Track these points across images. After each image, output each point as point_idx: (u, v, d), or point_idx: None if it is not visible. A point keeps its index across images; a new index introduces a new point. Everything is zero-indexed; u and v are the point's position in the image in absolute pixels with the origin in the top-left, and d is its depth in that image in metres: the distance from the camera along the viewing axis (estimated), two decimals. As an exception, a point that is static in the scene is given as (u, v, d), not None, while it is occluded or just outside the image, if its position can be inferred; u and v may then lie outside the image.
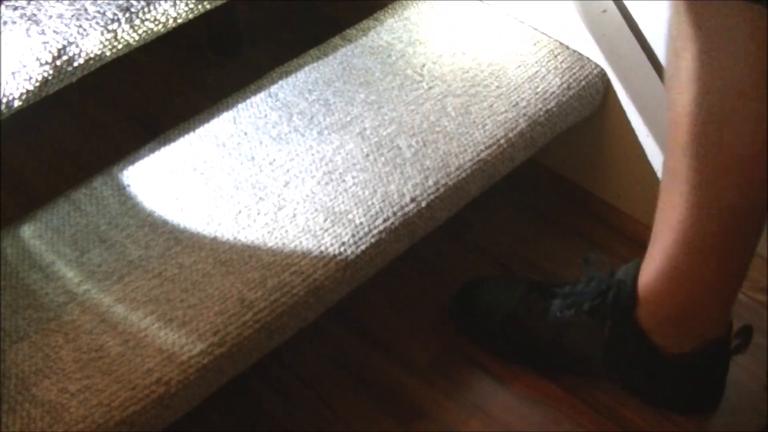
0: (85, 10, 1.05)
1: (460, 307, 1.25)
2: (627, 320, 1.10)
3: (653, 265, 1.06)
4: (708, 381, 1.14)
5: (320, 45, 1.31)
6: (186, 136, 1.20)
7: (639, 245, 1.38)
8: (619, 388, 1.18)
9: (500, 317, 1.19)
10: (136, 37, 1.07)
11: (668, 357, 1.10)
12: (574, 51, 1.30)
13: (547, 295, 1.18)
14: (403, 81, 1.26)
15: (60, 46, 1.02)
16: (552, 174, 1.44)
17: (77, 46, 1.03)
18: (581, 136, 1.37)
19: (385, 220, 1.10)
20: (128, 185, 1.14)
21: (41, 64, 1.01)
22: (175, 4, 1.08)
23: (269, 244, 1.07)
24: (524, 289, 1.20)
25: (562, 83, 1.27)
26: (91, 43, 1.04)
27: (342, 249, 1.07)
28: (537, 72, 1.28)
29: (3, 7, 1.04)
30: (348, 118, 1.21)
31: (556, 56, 1.30)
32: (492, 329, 1.21)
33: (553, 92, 1.26)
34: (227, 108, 1.23)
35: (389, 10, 1.36)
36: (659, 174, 1.32)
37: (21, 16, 1.04)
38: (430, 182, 1.14)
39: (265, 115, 1.22)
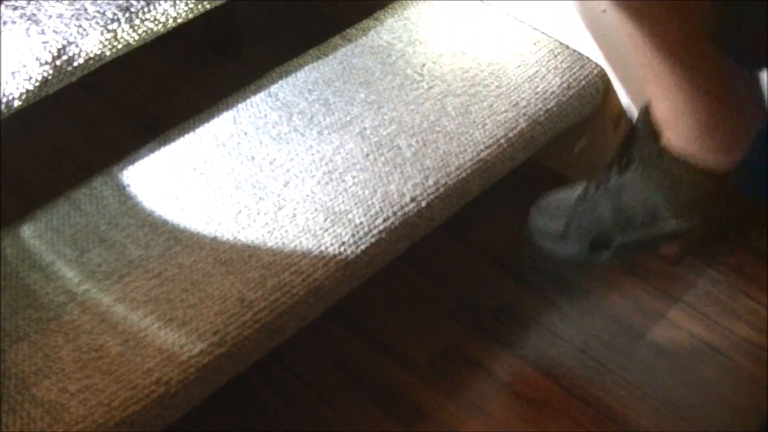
0: (85, 10, 1.05)
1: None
2: (663, 153, 1.02)
3: (665, 96, 0.99)
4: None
5: (320, 45, 1.31)
6: (186, 136, 1.20)
7: (639, 245, 1.38)
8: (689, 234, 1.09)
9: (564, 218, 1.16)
10: (136, 37, 1.07)
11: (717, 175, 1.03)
12: (574, 51, 1.30)
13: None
14: (403, 81, 1.26)
15: (60, 46, 1.02)
16: (552, 174, 1.44)
17: (77, 46, 1.03)
18: (581, 136, 1.37)
19: (385, 220, 1.10)
20: (128, 185, 1.14)
21: (41, 64, 1.01)
22: (175, 4, 1.08)
23: (269, 244, 1.07)
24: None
25: (562, 83, 1.27)
26: (91, 43, 1.04)
27: (342, 249, 1.07)
28: (537, 72, 1.28)
29: (3, 7, 1.04)
30: (348, 118, 1.21)
31: (556, 56, 1.30)
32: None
33: (553, 92, 1.26)
34: (227, 108, 1.23)
35: (389, 10, 1.36)
36: (659, 174, 1.32)
37: (21, 16, 1.04)
38: (430, 182, 1.14)
39: (265, 115, 1.22)
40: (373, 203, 1.11)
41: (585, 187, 1.14)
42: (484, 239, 1.39)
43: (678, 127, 1.00)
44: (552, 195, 1.21)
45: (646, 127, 1.03)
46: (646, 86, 1.00)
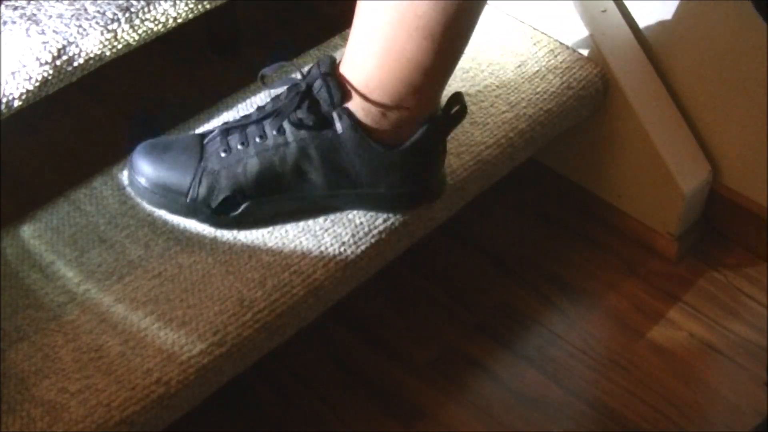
0: (85, 10, 1.05)
1: None
2: (343, 115, 1.03)
3: (363, 49, 1.01)
4: (433, 161, 1.08)
5: (320, 45, 1.31)
6: (186, 136, 1.19)
7: (639, 245, 1.38)
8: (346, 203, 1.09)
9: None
10: (136, 37, 1.07)
11: (392, 149, 1.04)
12: (574, 51, 1.30)
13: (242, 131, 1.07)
14: (403, 81, 1.26)
15: (60, 46, 1.02)
16: (552, 174, 1.44)
17: (77, 46, 1.03)
18: (581, 136, 1.37)
19: (385, 220, 1.10)
20: (128, 185, 1.14)
21: (41, 64, 1.01)
22: (175, 4, 1.08)
23: (269, 244, 1.07)
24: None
25: (562, 83, 1.27)
26: (91, 43, 1.03)
27: (342, 249, 1.07)
28: (537, 72, 1.28)
29: (3, 7, 1.04)
30: (348, 118, 1.21)
31: (556, 56, 1.30)
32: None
33: (553, 92, 1.25)
34: (227, 108, 1.22)
35: (389, 10, 1.36)
36: (659, 174, 1.32)
37: (21, 16, 1.04)
38: (430, 182, 1.14)
39: (265, 115, 1.21)
40: (373, 203, 1.11)
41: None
42: (484, 239, 1.39)
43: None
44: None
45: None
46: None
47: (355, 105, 1.03)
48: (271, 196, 1.06)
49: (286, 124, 1.04)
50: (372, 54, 1.00)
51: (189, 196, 1.06)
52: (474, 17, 1.02)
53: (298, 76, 1.05)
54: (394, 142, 1.04)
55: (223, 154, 1.06)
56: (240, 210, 1.07)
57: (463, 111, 1.06)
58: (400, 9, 0.97)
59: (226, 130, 1.07)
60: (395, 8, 0.97)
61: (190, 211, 1.07)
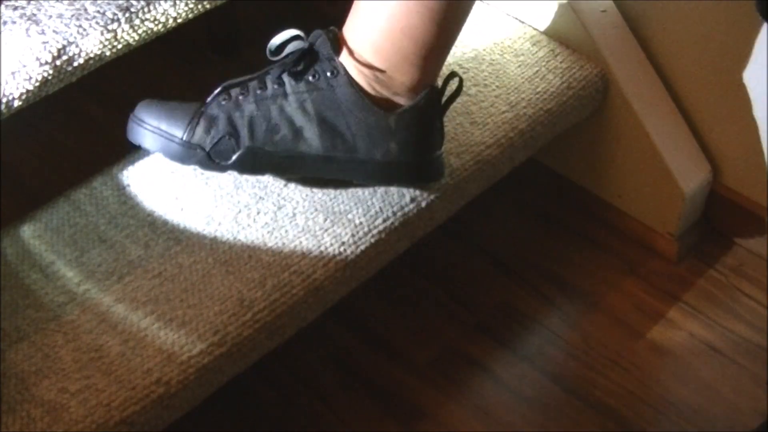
0: (85, 10, 1.05)
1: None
2: (341, 71, 1.04)
3: (366, 9, 1.04)
4: (430, 135, 1.08)
5: (320, 45, 1.31)
6: (186, 136, 1.19)
7: (639, 245, 1.38)
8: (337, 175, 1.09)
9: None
10: (136, 37, 1.07)
11: (387, 114, 1.05)
12: (574, 51, 1.30)
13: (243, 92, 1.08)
14: (403, 81, 1.26)
15: (60, 46, 1.02)
16: (552, 174, 1.44)
17: (77, 46, 1.03)
18: (581, 136, 1.37)
19: (384, 220, 1.10)
20: (128, 185, 1.14)
21: (41, 64, 1.01)
22: (175, 4, 1.08)
23: (269, 244, 1.07)
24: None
25: (562, 83, 1.27)
26: (91, 43, 1.03)
27: (342, 249, 1.07)
28: (537, 72, 1.28)
29: (3, 7, 1.04)
30: (348, 118, 1.21)
31: (556, 56, 1.30)
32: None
33: (553, 92, 1.25)
34: (227, 108, 1.22)
35: (389, 10, 1.36)
36: (659, 174, 1.32)
37: (21, 16, 1.04)
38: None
39: (265, 115, 1.21)
40: (373, 203, 1.11)
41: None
42: (484, 239, 1.39)
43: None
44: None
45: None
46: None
47: (352, 65, 1.04)
48: (266, 146, 1.07)
49: (285, 77, 1.06)
50: (373, 21, 1.03)
51: (185, 136, 1.07)
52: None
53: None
54: (392, 106, 1.06)
55: (223, 102, 1.08)
56: (233, 158, 1.07)
57: (460, 86, 1.08)
58: None
59: (228, 85, 1.09)
60: None
61: (184, 154, 1.08)
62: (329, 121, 1.05)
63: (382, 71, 1.04)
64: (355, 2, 1.05)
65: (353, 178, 1.09)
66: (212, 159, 1.08)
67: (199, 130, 1.07)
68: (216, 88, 1.09)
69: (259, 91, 1.07)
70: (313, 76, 1.05)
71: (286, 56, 1.07)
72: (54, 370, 0.97)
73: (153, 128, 1.08)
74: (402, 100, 1.06)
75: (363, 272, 1.10)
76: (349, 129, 1.05)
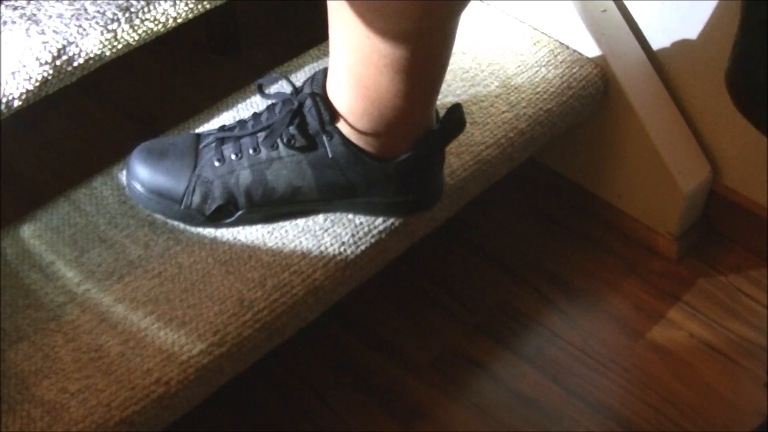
0: (85, 10, 1.05)
1: None
2: (334, 134, 1.03)
3: (341, 82, 1.02)
4: (430, 172, 1.08)
5: (320, 45, 1.31)
6: (186, 136, 1.19)
7: (639, 245, 1.38)
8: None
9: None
10: (136, 37, 1.07)
11: (387, 162, 1.05)
12: (574, 51, 1.30)
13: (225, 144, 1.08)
14: (403, 81, 1.26)
15: (60, 46, 1.02)
16: (552, 173, 1.44)
17: (77, 46, 1.03)
18: (581, 136, 1.37)
19: (384, 220, 1.10)
20: (126, 188, 1.14)
21: (41, 64, 1.01)
22: (175, 4, 1.08)
23: (269, 244, 1.07)
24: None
25: (562, 83, 1.27)
26: (91, 43, 1.04)
27: (342, 249, 1.07)
28: (537, 72, 1.28)
29: (3, 7, 1.04)
30: (348, 118, 1.21)
31: (556, 56, 1.30)
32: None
33: (553, 92, 1.25)
34: (227, 108, 1.23)
35: (389, 10, 1.36)
36: (659, 174, 1.32)
37: (21, 16, 1.04)
38: (430, 182, 1.14)
39: (265, 115, 1.22)
40: (373, 203, 1.11)
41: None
42: (484, 239, 1.39)
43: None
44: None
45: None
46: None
47: (344, 126, 1.03)
48: (265, 207, 1.07)
49: (279, 142, 1.05)
50: (350, 87, 1.00)
51: (183, 203, 1.07)
52: (444, 46, 1.00)
53: (292, 88, 1.06)
54: (390, 155, 1.05)
55: (216, 164, 1.06)
56: (234, 218, 1.08)
57: (461, 123, 1.07)
58: (365, 50, 0.96)
59: (222, 139, 1.08)
60: (360, 48, 0.96)
61: (185, 218, 1.08)
62: (327, 178, 1.05)
63: (372, 130, 1.02)
64: (329, 66, 1.03)
65: (353, 213, 1.10)
66: (212, 221, 1.08)
67: (196, 198, 1.06)
68: (209, 136, 1.08)
69: (252, 152, 1.05)
70: (305, 145, 1.04)
71: (279, 111, 1.05)
72: (54, 370, 0.97)
73: (152, 196, 1.08)
74: (401, 146, 1.04)
75: (363, 272, 1.10)
76: (348, 180, 1.05)
